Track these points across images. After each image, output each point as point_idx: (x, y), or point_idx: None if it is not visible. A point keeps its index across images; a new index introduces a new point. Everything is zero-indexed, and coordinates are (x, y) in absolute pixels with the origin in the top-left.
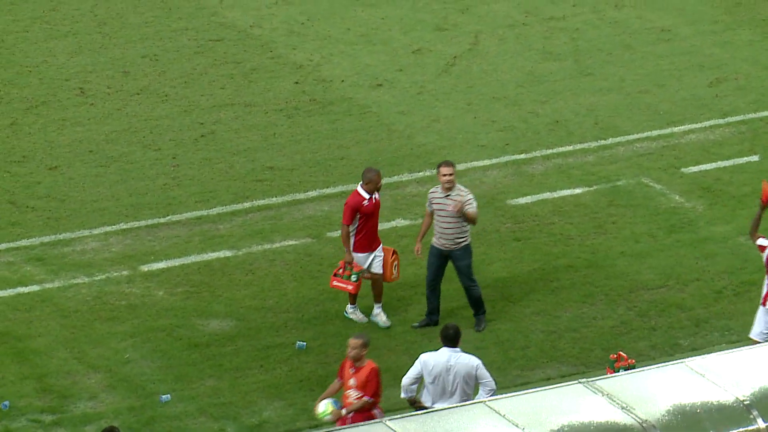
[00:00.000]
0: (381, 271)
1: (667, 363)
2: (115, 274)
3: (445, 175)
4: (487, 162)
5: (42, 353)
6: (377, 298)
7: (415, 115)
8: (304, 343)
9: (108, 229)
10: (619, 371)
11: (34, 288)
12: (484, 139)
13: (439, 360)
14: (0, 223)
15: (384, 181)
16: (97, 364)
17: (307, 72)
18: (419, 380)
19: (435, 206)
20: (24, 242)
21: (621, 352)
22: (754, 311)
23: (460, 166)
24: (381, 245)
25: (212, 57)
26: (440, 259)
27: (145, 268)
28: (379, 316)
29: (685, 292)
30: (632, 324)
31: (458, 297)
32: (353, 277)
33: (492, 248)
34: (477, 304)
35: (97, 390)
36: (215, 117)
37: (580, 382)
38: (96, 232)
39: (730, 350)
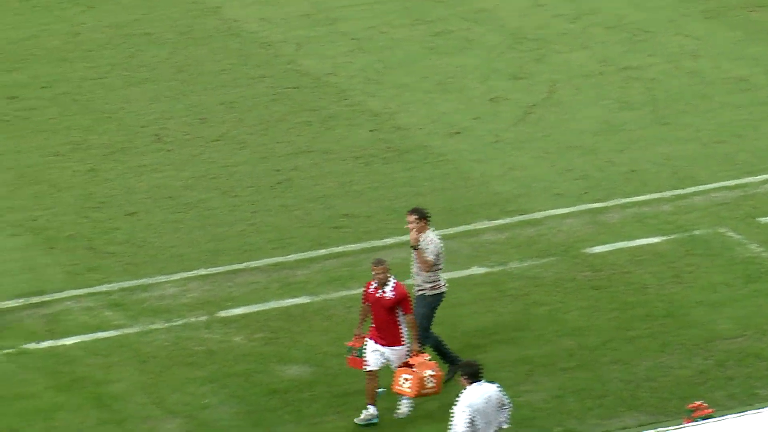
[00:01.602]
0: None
1: (745, 413)
2: (193, 319)
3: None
4: (563, 210)
5: (121, 398)
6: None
7: (492, 163)
8: (383, 390)
9: (186, 274)
10: (697, 421)
11: (113, 333)
12: (561, 188)
13: (479, 396)
14: (79, 269)
15: (460, 228)
16: (176, 409)
17: (383, 120)
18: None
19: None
20: (103, 287)
21: (699, 402)
22: None
23: (536, 214)
24: (402, 348)
25: (289, 104)
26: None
27: (223, 313)
28: (364, 412)
29: (763, 342)
30: (709, 374)
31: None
32: (347, 350)
33: (569, 296)
34: (440, 354)
35: None
36: (292, 164)
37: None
38: (174, 277)
39: None
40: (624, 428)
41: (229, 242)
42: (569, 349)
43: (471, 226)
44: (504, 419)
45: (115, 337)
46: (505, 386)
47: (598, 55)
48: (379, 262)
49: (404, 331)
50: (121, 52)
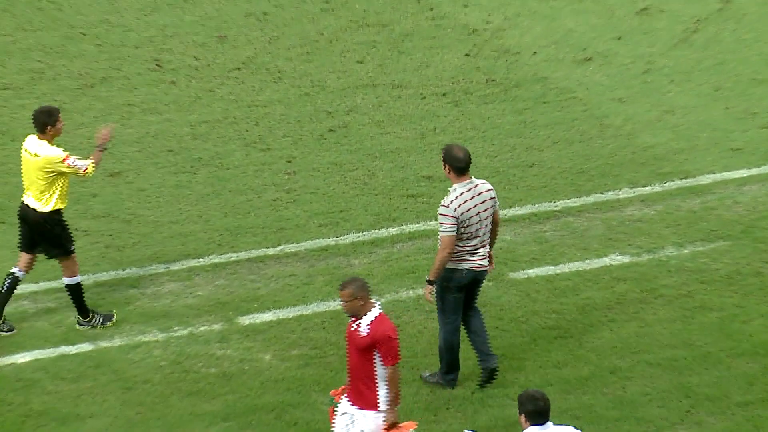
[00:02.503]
0: None
1: None
2: (202, 328)
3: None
4: (743, 173)
5: None
6: None
7: (640, 104)
8: None
9: (193, 263)
10: None
11: (85, 347)
12: (740, 140)
13: None
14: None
15: (591, 198)
16: None
17: (483, 40)
18: None
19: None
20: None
21: None
22: None
23: (703, 179)
24: (376, 416)
25: (346, 17)
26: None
27: (245, 320)
28: None
29: None
30: None
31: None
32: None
33: (749, 299)
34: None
35: None
36: (349, 103)
37: None
38: (175, 267)
39: None
40: None
41: (256, 217)
42: (749, 375)
43: (608, 195)
44: None
45: (87, 353)
46: (656, 428)
47: None
48: (342, 286)
49: (382, 390)
50: None
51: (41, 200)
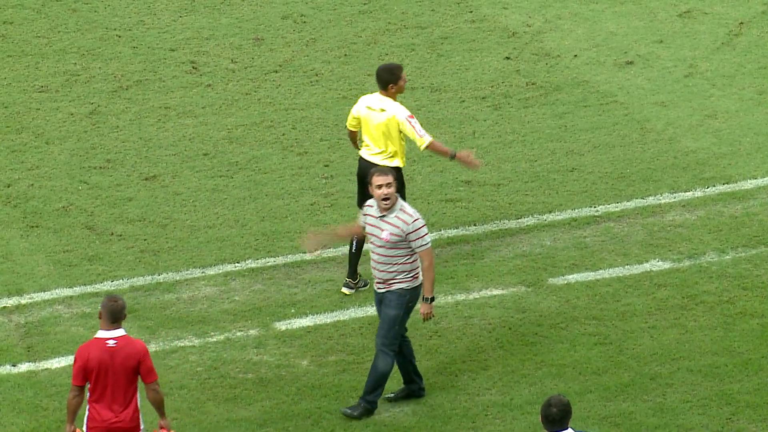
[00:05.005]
0: None
1: None
2: (238, 333)
3: (380, 186)
4: None
5: None
6: None
7: (682, 108)
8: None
9: (229, 268)
10: None
11: None
12: None
13: None
14: (72, 258)
15: (632, 204)
16: None
17: (523, 43)
18: None
19: (367, 228)
20: (107, 285)
21: None
22: None
23: (746, 184)
24: None
25: (384, 19)
26: (380, 305)
27: (282, 325)
28: None
29: None
30: None
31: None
32: None
33: None
34: (375, 382)
35: None
36: None
37: None
38: (211, 272)
39: None
40: None
41: (293, 221)
42: None
43: (649, 200)
44: None
45: None
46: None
47: None
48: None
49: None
50: None
51: (381, 156)
